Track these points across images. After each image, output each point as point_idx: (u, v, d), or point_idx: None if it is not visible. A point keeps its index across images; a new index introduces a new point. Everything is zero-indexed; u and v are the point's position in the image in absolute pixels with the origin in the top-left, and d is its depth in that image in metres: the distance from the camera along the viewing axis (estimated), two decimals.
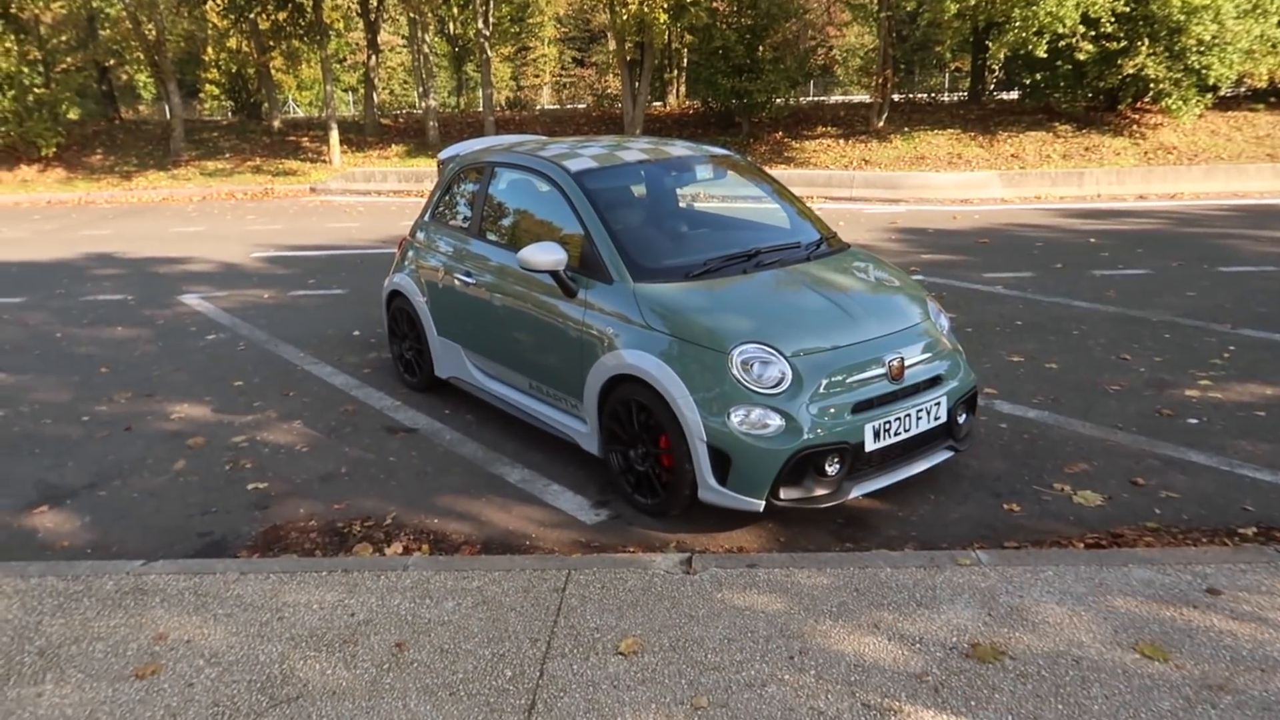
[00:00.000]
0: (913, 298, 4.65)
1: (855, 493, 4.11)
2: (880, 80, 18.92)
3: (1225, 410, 5.50)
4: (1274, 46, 16.31)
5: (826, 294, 4.42)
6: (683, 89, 25.12)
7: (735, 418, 3.94)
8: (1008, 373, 6.28)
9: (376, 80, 22.97)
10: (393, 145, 21.64)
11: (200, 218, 15.97)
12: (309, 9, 19.11)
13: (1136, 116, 18.34)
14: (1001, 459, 4.94)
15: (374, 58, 21.82)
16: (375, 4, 21.17)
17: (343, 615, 3.38)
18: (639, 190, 5.24)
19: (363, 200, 17.76)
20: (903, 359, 4.21)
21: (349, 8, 23.07)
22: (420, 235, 6.14)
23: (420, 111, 22.53)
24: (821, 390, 4.01)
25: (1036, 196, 14.84)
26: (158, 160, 21.73)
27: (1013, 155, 17.15)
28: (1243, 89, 20.06)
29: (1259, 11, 15.79)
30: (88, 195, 19.54)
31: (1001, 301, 8.22)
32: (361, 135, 22.47)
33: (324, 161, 20.73)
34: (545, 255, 4.54)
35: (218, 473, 5.14)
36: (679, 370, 4.09)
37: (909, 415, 4.19)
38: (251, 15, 18.05)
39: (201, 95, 32.37)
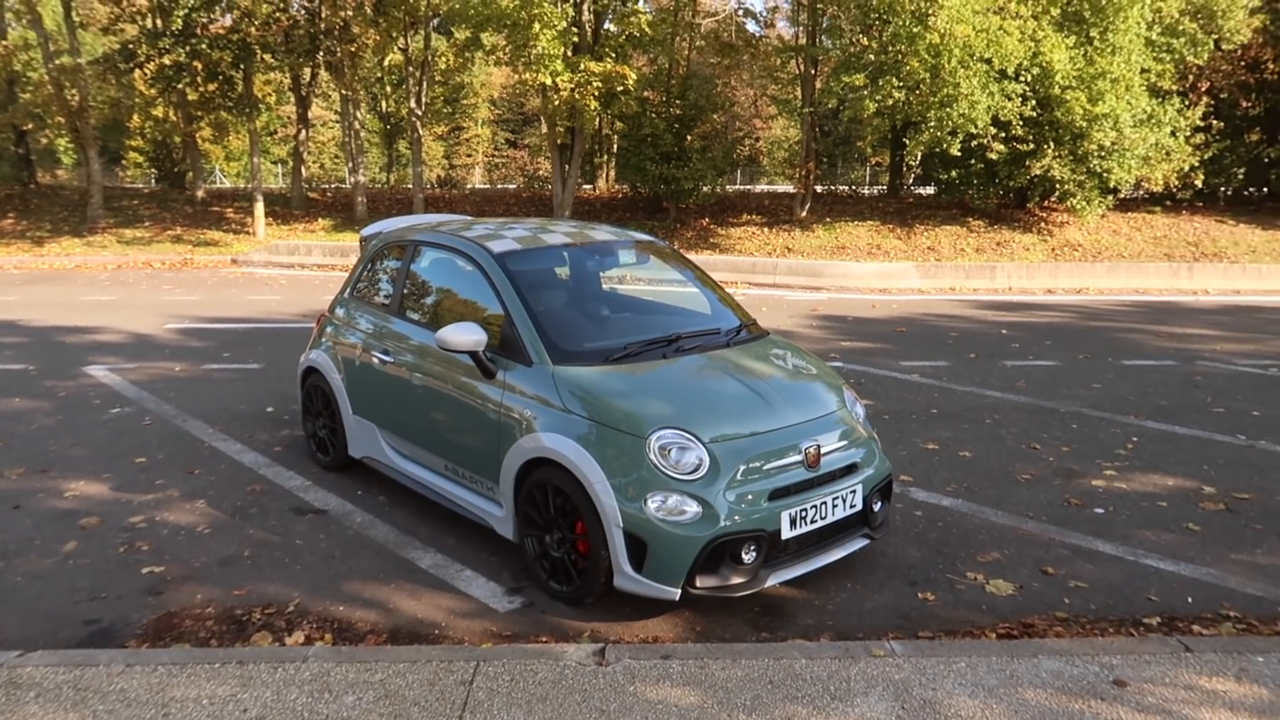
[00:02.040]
0: (829, 385, 4.72)
1: (772, 581, 4.08)
2: (804, 172, 19.58)
3: (1130, 500, 5.67)
4: (1168, 154, 17.42)
5: (745, 380, 4.45)
6: (612, 173, 25.62)
7: (652, 504, 3.90)
8: (923, 460, 6.38)
9: (305, 154, 22.89)
10: (319, 219, 21.48)
11: (114, 287, 15.52)
12: (240, 82, 19.06)
13: (1044, 214, 19.29)
14: (916, 547, 4.98)
15: (304, 132, 21.79)
16: (308, 80, 21.24)
17: (234, 711, 3.19)
18: (561, 273, 5.26)
19: (285, 273, 17.50)
20: (819, 446, 4.25)
21: (281, 82, 23.07)
22: (339, 312, 6.04)
23: (349, 186, 22.46)
24: (739, 477, 4.01)
25: (951, 288, 15.39)
26: (73, 227, 21.16)
27: (929, 247, 17.80)
28: (1141, 192, 21.30)
29: (1153, 121, 16.89)
30: None
31: (918, 390, 8.41)
32: (288, 208, 22.25)
33: (248, 233, 20.45)
34: (464, 336, 4.51)
35: (110, 555, 4.87)
36: (596, 455, 4.05)
37: (825, 503, 4.21)
38: (180, 85, 17.92)
39: (125, 162, 31.79)
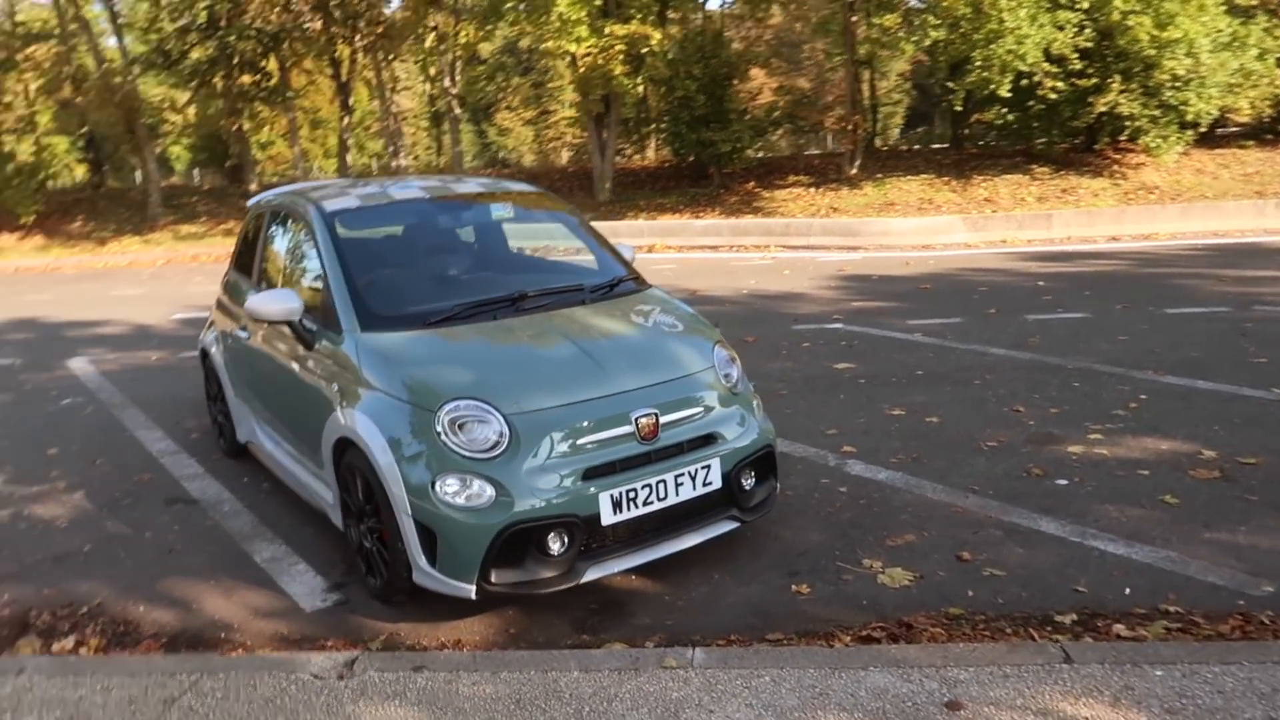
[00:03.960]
0: (694, 345, 4.03)
1: (592, 575, 3.48)
2: (850, 126, 18.45)
3: (1105, 469, 4.79)
4: (1256, 80, 15.62)
5: (581, 342, 3.83)
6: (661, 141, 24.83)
7: (441, 488, 3.35)
8: (879, 429, 5.61)
9: (350, 140, 22.92)
10: None
11: (151, 281, 15.76)
12: (275, 73, 19.11)
13: (1118, 156, 17.67)
14: (822, 529, 4.27)
15: (346, 118, 21.79)
16: (347, 66, 21.16)
17: None
18: (407, 230, 4.70)
19: None
20: (657, 415, 3.59)
21: (321, 71, 23.12)
22: (224, 288, 5.66)
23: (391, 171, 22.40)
24: (547, 454, 3.41)
25: (1002, 240, 14.16)
26: (135, 225, 21.75)
27: (985, 199, 16.52)
28: (1230, 126, 19.32)
29: (1237, 44, 15.15)
30: (57, 261, 19.51)
31: (911, 350, 7.55)
32: None
33: None
34: (274, 304, 4.06)
35: None
36: (386, 431, 3.52)
37: (664, 481, 3.56)
38: (213, 80, 18.04)
39: (225, 165, 32.50)
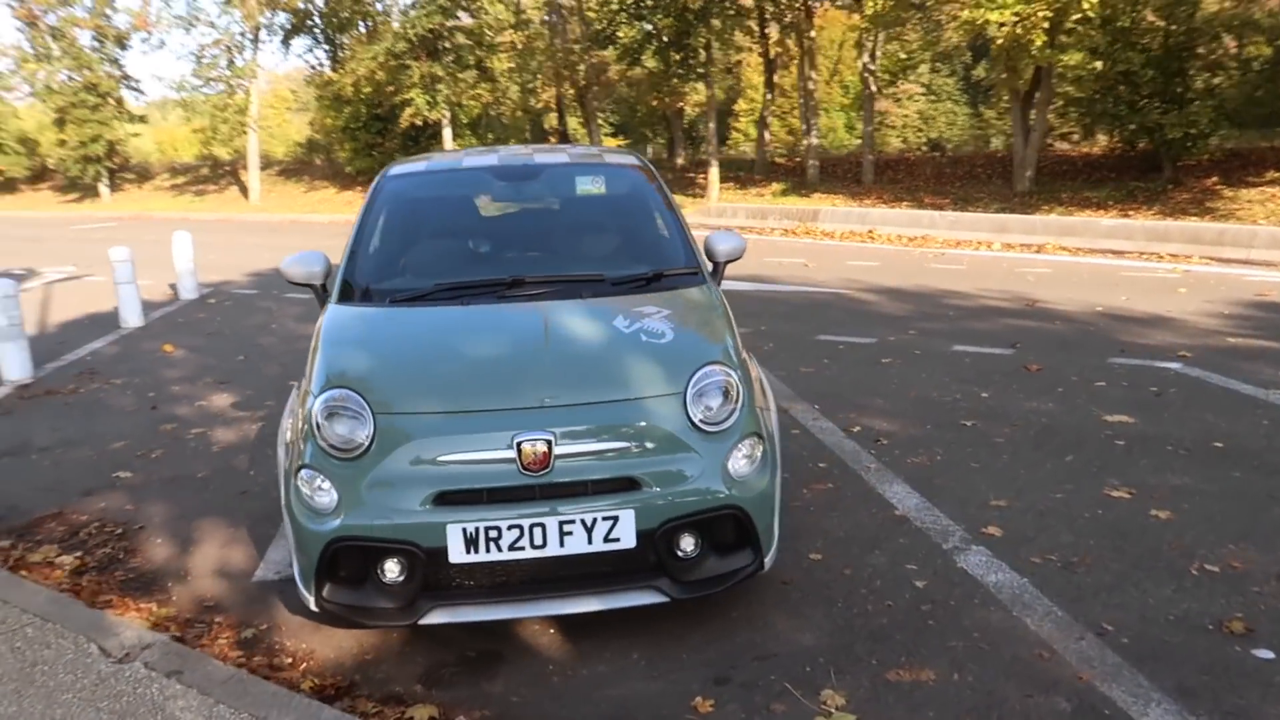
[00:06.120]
0: (669, 364, 3.18)
1: (436, 619, 2.94)
2: None
3: None
4: None
5: (525, 342, 3.27)
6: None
7: (299, 481, 3.03)
8: (1065, 513, 4.11)
9: (770, 118, 22.86)
10: (773, 184, 21.31)
11: None
12: (700, 50, 19.65)
13: None
14: (827, 632, 3.20)
15: (769, 95, 21.73)
16: (776, 44, 21.02)
17: None
18: (459, 201, 4.33)
19: (700, 234, 17.73)
20: (549, 442, 2.89)
21: (749, 49, 23.24)
22: None
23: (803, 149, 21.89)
24: (403, 465, 2.92)
25: None
26: None
27: None
28: None
29: None
30: None
31: (1240, 412, 5.45)
32: (750, 173, 22.50)
33: (702, 196, 21.13)
34: (296, 266, 4.00)
35: (124, 458, 5.30)
36: (289, 412, 3.29)
37: (542, 525, 2.87)
38: (644, 58, 19.11)
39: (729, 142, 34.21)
